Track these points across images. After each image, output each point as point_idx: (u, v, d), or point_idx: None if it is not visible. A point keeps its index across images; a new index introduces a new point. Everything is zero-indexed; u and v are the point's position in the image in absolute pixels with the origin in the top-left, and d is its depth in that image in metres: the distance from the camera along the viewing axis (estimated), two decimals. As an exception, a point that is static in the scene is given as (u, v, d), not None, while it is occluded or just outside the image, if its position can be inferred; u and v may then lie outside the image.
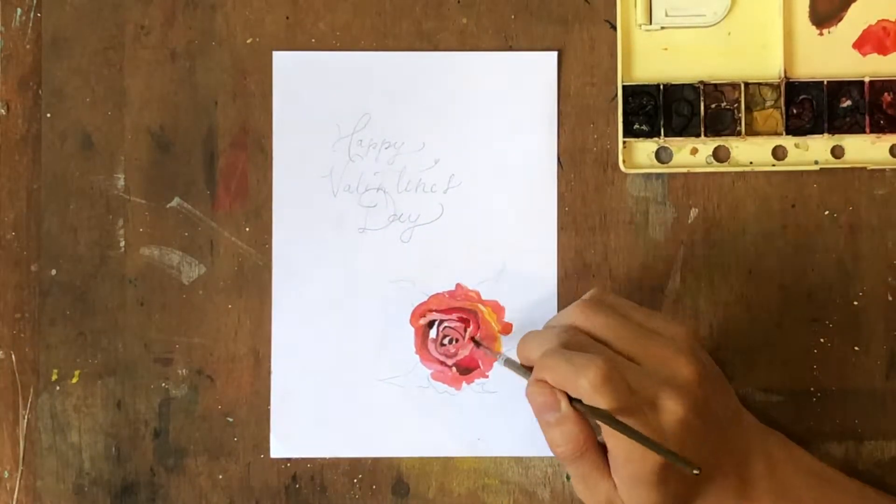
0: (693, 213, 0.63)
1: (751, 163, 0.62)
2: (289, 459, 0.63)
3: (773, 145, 0.62)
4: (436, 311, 0.63)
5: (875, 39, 0.63)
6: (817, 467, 0.59)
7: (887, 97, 0.62)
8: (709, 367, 0.56)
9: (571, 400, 0.54)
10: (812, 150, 0.62)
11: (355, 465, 0.63)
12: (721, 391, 0.57)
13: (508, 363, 0.59)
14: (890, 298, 0.63)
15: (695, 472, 0.50)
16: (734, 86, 0.62)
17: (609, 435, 0.53)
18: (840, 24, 0.63)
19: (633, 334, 0.55)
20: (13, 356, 0.63)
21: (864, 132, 0.62)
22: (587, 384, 0.52)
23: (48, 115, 0.63)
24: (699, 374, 0.54)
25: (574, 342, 0.54)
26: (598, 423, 0.53)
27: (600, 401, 0.52)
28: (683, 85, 0.62)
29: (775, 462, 0.57)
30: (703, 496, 0.55)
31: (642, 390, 0.53)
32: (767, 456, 0.57)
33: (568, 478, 0.62)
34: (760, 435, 0.58)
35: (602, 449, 0.54)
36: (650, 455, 0.52)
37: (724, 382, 0.57)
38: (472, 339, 0.62)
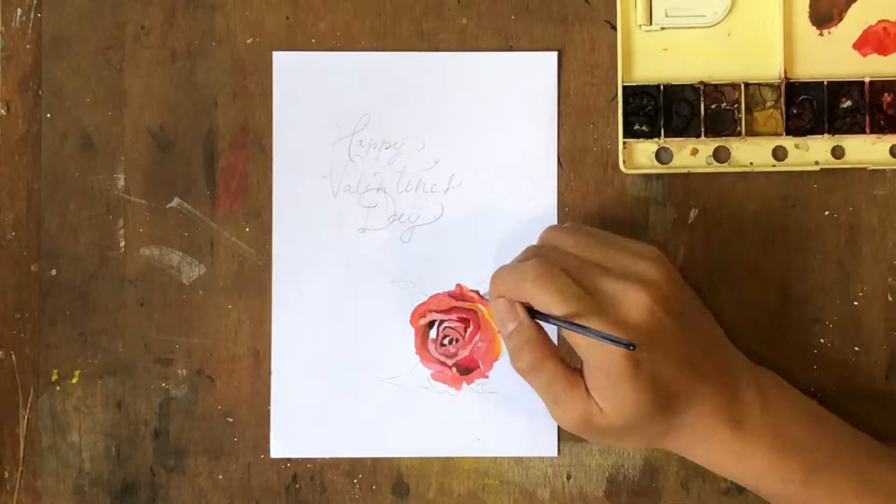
0: (693, 213, 0.63)
1: (751, 163, 0.62)
2: (289, 459, 0.63)
3: (773, 146, 0.62)
4: (436, 311, 0.63)
5: (875, 40, 0.63)
6: (811, 406, 0.58)
7: (887, 97, 0.62)
8: (678, 280, 0.57)
9: (532, 314, 0.55)
10: (812, 151, 0.62)
11: (355, 465, 0.63)
12: (699, 311, 0.58)
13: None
14: (890, 299, 0.63)
15: (630, 348, 0.51)
16: (734, 86, 0.62)
17: (571, 337, 0.54)
18: (840, 24, 0.63)
19: (601, 244, 0.56)
20: (13, 356, 0.63)
21: (864, 132, 0.62)
22: (528, 284, 0.54)
23: (48, 115, 0.63)
24: (666, 275, 0.55)
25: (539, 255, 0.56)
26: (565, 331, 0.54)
27: (542, 296, 0.53)
28: (683, 85, 0.62)
29: (767, 395, 0.57)
30: (694, 409, 0.55)
31: (606, 288, 0.54)
32: (759, 386, 0.57)
33: (569, 477, 0.62)
34: (750, 368, 0.58)
35: (567, 365, 0.55)
36: (612, 346, 0.52)
37: (702, 306, 0.59)
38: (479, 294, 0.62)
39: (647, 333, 0.53)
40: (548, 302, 0.53)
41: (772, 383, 0.58)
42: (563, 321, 0.53)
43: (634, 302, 0.53)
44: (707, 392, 0.55)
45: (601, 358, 0.53)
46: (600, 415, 0.54)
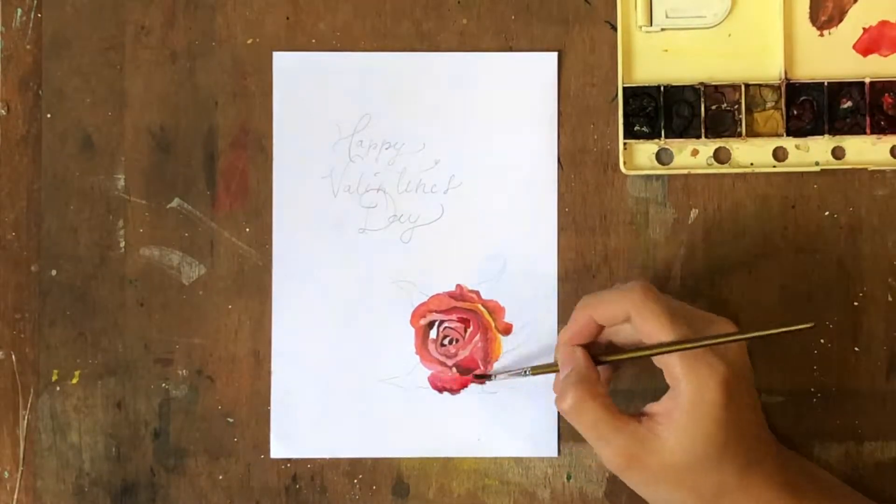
0: (693, 213, 0.63)
1: (751, 164, 0.62)
2: (289, 460, 0.63)
3: (773, 146, 0.62)
4: (436, 311, 0.63)
5: (875, 40, 0.62)
6: (835, 480, 0.60)
7: (888, 98, 0.62)
8: None
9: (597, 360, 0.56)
10: (813, 152, 0.62)
11: (355, 465, 0.63)
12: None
13: (536, 370, 0.59)
14: (890, 299, 0.63)
15: (809, 325, 0.52)
16: (735, 87, 0.62)
17: (663, 360, 0.53)
18: (840, 25, 0.63)
19: (680, 305, 0.56)
20: (13, 356, 0.63)
21: (864, 133, 0.62)
22: (637, 302, 0.53)
23: (48, 115, 0.63)
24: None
25: None
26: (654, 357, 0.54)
27: (650, 319, 0.53)
28: (684, 86, 0.62)
29: (804, 464, 0.59)
30: (752, 468, 0.54)
31: (701, 318, 0.54)
32: (797, 454, 0.59)
33: (569, 477, 0.62)
34: (777, 442, 0.59)
35: (613, 405, 0.54)
36: (717, 365, 0.52)
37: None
38: (475, 375, 0.62)
39: (740, 367, 0.53)
40: (657, 326, 0.53)
41: (798, 455, 0.60)
42: (665, 345, 0.52)
43: (726, 327, 0.54)
44: (764, 451, 0.55)
45: (697, 382, 0.52)
46: (661, 450, 0.53)
